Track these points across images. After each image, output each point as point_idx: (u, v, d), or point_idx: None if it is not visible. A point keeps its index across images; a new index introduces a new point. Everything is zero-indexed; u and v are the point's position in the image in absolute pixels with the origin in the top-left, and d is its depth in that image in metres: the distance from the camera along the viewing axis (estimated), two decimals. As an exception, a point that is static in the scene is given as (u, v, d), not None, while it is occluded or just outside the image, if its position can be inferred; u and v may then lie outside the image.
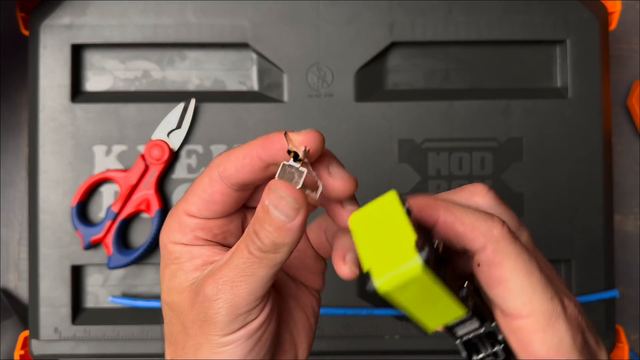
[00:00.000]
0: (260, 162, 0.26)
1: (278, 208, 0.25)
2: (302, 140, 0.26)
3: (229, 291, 0.26)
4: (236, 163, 0.27)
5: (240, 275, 0.26)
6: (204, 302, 0.26)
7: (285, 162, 0.26)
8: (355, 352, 0.50)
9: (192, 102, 0.49)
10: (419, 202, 0.27)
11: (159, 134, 0.49)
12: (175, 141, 0.49)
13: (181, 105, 0.49)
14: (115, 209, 0.48)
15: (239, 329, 0.26)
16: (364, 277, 0.24)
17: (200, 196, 0.28)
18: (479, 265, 0.26)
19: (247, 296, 0.26)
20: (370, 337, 0.50)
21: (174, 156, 0.50)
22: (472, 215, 0.26)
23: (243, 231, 0.29)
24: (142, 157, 0.49)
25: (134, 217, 0.50)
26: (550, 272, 0.27)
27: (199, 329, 0.26)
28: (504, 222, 0.26)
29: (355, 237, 0.25)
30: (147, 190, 0.49)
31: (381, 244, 0.23)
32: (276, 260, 0.25)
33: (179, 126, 0.49)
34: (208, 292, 0.26)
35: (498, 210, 0.28)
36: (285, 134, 0.26)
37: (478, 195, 0.28)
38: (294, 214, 0.25)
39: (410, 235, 0.22)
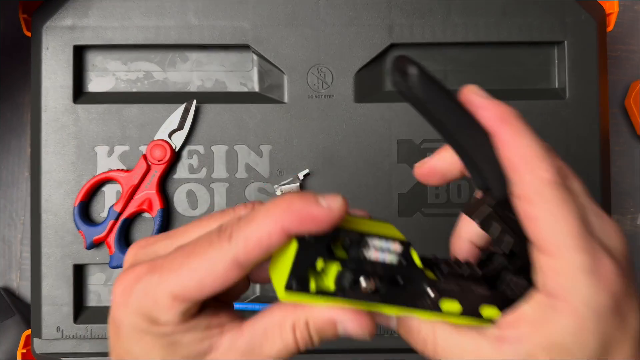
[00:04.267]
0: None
1: None
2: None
3: None
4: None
5: None
6: None
7: None
8: (355, 350, 0.50)
9: (194, 103, 0.50)
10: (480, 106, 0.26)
11: (161, 134, 0.50)
12: (177, 142, 0.50)
13: (182, 107, 0.50)
14: (117, 209, 0.49)
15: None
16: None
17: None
18: (514, 196, 0.25)
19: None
20: (370, 336, 0.50)
21: (176, 156, 0.50)
22: (527, 148, 0.25)
23: None
24: (144, 157, 0.49)
25: (136, 216, 0.50)
26: (601, 226, 0.26)
27: None
28: (558, 166, 0.25)
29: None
30: (149, 190, 0.49)
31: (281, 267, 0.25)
32: None
33: (180, 127, 0.50)
34: None
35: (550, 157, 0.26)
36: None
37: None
38: None
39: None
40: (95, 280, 0.51)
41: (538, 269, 0.25)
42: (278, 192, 0.50)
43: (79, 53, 0.51)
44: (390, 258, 0.26)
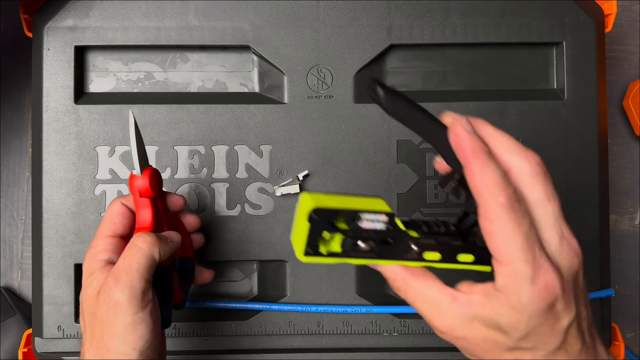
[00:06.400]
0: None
1: None
2: None
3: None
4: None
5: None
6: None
7: None
8: (355, 349, 0.51)
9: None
10: (459, 140, 0.30)
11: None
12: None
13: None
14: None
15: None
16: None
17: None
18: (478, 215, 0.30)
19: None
20: (369, 334, 0.50)
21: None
22: (489, 178, 0.30)
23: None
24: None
25: (136, 216, 0.50)
26: (557, 243, 0.31)
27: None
28: (510, 193, 0.30)
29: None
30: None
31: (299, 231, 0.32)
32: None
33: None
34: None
35: (533, 179, 0.31)
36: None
37: (526, 159, 0.31)
38: None
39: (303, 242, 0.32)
40: (96, 279, 0.51)
41: (494, 271, 0.31)
42: (278, 193, 0.50)
43: (80, 53, 0.51)
44: (379, 226, 0.33)
